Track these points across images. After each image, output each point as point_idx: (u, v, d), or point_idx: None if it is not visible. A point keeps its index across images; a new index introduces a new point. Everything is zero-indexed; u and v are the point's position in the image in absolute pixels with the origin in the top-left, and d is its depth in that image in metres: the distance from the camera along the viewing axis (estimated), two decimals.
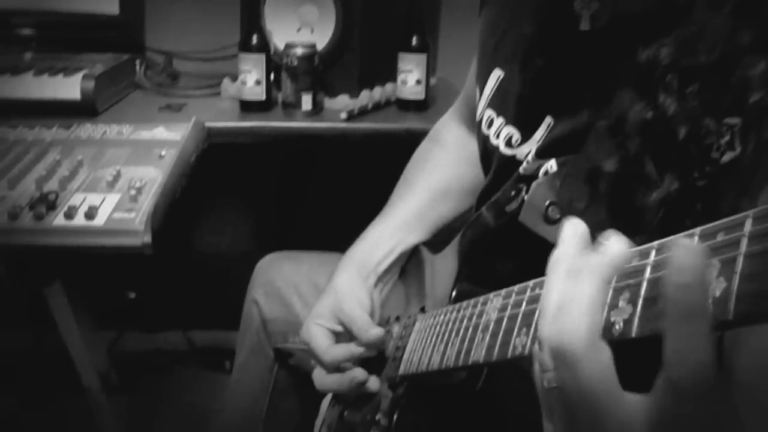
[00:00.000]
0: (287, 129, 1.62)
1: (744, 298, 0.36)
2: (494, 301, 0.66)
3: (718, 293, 0.38)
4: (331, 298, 1.01)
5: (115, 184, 1.29)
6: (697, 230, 0.41)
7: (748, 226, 0.38)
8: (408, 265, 1.09)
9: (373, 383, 0.93)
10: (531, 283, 0.60)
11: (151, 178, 1.33)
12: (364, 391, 0.94)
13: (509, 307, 0.61)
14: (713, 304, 0.38)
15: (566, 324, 0.40)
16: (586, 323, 0.40)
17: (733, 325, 0.37)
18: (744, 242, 0.37)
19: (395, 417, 0.83)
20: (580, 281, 0.42)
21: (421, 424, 0.84)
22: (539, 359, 0.44)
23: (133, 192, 1.24)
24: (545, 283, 0.46)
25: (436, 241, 1.09)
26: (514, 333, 0.58)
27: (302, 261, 1.37)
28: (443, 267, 0.98)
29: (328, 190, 2.17)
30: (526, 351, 0.55)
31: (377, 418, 0.86)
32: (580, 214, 0.68)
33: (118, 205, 1.23)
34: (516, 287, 0.62)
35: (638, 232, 0.63)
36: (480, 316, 0.67)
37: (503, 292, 0.64)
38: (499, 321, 0.62)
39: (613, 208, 0.68)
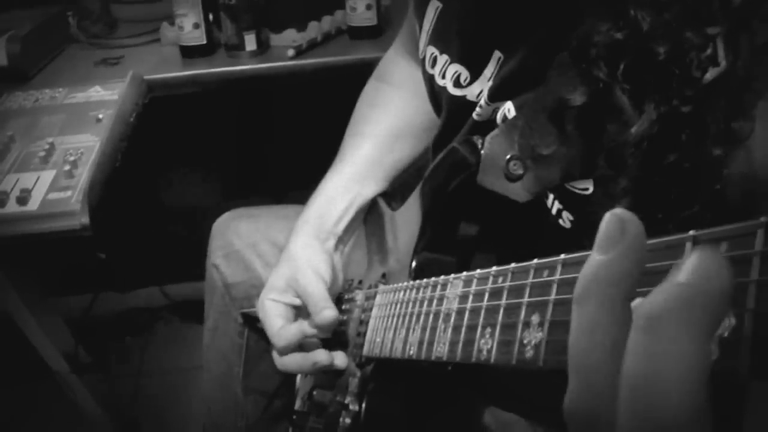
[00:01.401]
0: (232, 73, 1.51)
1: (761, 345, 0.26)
2: (455, 285, 0.57)
3: (725, 333, 0.28)
4: (286, 268, 0.92)
5: (49, 158, 1.19)
6: (692, 234, 0.31)
7: (760, 239, 0.28)
8: (367, 221, 1.00)
9: (340, 360, 0.85)
10: (493, 270, 0.51)
11: (88, 147, 1.22)
12: (330, 369, 0.85)
13: (470, 297, 0.53)
14: (719, 347, 0.28)
15: (658, 399, 0.26)
16: (690, 392, 0.26)
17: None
18: (756, 264, 0.28)
19: (364, 403, 0.75)
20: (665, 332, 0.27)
21: (392, 407, 0.76)
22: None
23: (67, 167, 1.14)
24: (584, 316, 0.30)
25: (393, 192, 0.99)
26: (478, 332, 0.50)
27: (259, 218, 1.27)
28: (404, 219, 0.89)
29: (286, 129, 2.06)
30: (492, 358, 0.47)
31: (346, 401, 0.78)
32: (547, 162, 0.59)
33: (53, 184, 1.13)
34: (477, 273, 0.53)
35: (618, 174, 0.54)
36: (441, 301, 0.58)
37: (463, 276, 0.56)
38: (461, 312, 0.54)
39: (585, 150, 0.58)
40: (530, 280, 0.44)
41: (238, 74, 1.52)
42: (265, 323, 0.90)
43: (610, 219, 0.30)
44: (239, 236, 1.27)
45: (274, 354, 0.91)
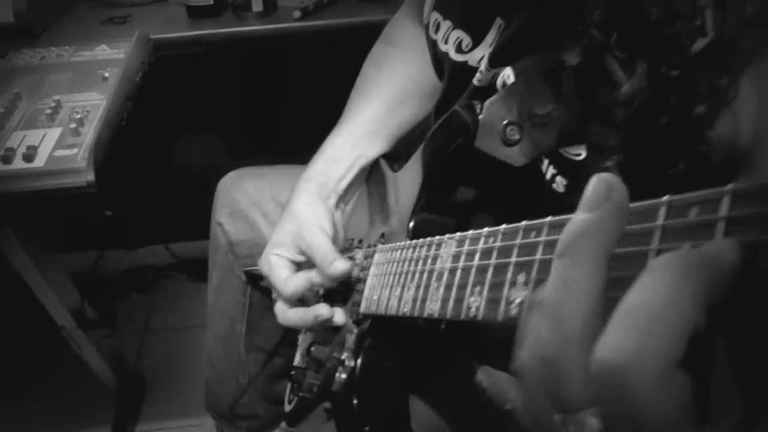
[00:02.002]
0: (238, 34, 1.50)
1: None
2: (448, 244, 0.58)
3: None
4: (290, 224, 0.94)
5: (56, 116, 1.20)
6: (666, 199, 0.33)
7: (724, 206, 0.29)
8: (370, 182, 1.01)
9: (339, 317, 0.87)
10: (485, 231, 0.52)
11: (94, 105, 1.23)
12: (330, 325, 0.87)
13: (462, 257, 0.54)
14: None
15: (630, 343, 0.27)
16: (657, 344, 0.26)
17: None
18: (720, 228, 0.29)
19: (360, 360, 0.77)
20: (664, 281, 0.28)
21: (387, 363, 0.78)
22: (556, 387, 0.31)
23: (74, 124, 1.15)
24: (563, 269, 0.32)
25: (397, 153, 1.00)
26: (468, 290, 0.52)
27: (264, 177, 1.28)
28: (406, 180, 0.90)
29: (294, 89, 2.06)
30: (480, 315, 0.48)
31: (343, 357, 0.80)
32: (543, 126, 0.61)
33: (60, 141, 1.14)
34: (470, 233, 0.55)
35: (609, 133, 0.56)
36: (434, 261, 0.60)
37: (457, 236, 0.57)
38: (452, 271, 0.56)
39: (580, 109, 0.60)
40: (518, 240, 0.46)
41: (245, 35, 1.52)
42: (270, 276, 0.92)
43: (598, 181, 0.31)
44: (244, 195, 1.28)
45: (277, 308, 0.93)
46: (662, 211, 0.33)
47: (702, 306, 0.27)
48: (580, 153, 0.61)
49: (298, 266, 0.92)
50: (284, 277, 0.90)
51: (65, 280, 1.53)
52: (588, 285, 0.30)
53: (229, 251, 1.31)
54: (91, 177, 1.09)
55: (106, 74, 1.31)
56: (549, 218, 0.43)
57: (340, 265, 0.85)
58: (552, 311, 0.31)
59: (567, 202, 0.64)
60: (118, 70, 1.33)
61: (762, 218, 0.27)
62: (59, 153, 1.11)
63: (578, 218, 0.32)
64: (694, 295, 0.26)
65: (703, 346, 0.28)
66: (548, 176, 0.64)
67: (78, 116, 1.18)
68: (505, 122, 0.63)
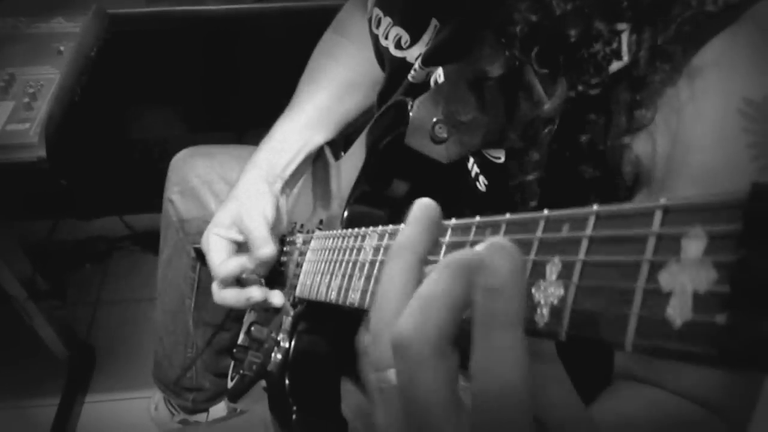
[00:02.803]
0: (195, 13, 1.50)
1: (579, 317, 0.31)
2: (371, 237, 0.61)
3: (555, 302, 0.33)
4: (233, 205, 0.96)
5: (9, 89, 1.20)
6: (545, 214, 0.36)
7: (590, 225, 0.32)
8: (315, 168, 1.03)
9: (277, 298, 0.90)
10: (401, 227, 0.55)
11: (48, 79, 1.23)
12: (268, 306, 0.90)
13: (381, 250, 0.57)
14: (549, 314, 0.33)
15: (414, 320, 0.33)
16: (434, 322, 0.33)
17: (568, 345, 0.32)
18: (584, 245, 0.32)
19: (293, 342, 0.80)
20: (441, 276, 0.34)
21: (319, 347, 0.81)
22: (375, 352, 0.38)
23: (27, 99, 1.16)
24: (387, 269, 0.38)
25: (341, 142, 1.03)
26: None
27: (215, 157, 1.30)
28: (348, 167, 0.93)
29: (249, 69, 2.06)
30: None
31: (279, 338, 0.83)
32: (467, 128, 0.64)
33: (12, 116, 1.15)
34: (390, 228, 0.57)
35: (531, 146, 0.59)
36: (359, 252, 0.63)
37: (379, 230, 0.60)
38: (372, 263, 0.58)
39: (501, 119, 0.63)
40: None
41: (202, 14, 1.51)
42: (207, 256, 0.94)
43: (417, 204, 0.39)
44: (195, 174, 1.30)
45: (213, 287, 0.95)
46: (541, 225, 0.36)
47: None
48: (500, 157, 0.65)
49: (239, 246, 0.95)
50: (219, 261, 0.92)
51: (16, 250, 1.54)
52: (399, 280, 0.36)
53: (179, 228, 1.33)
54: (42, 153, 1.10)
55: (62, 48, 1.31)
56: (453, 221, 0.46)
57: (267, 250, 0.88)
58: (377, 299, 0.37)
59: (488, 201, 0.67)
60: (74, 44, 1.33)
61: (619, 239, 0.31)
62: (11, 127, 1.12)
63: (401, 231, 0.39)
64: (463, 286, 0.32)
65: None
66: (473, 174, 0.68)
67: (31, 90, 1.18)
68: (434, 120, 0.66)
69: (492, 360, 0.31)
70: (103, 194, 2.26)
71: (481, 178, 0.66)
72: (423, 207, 0.39)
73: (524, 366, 0.31)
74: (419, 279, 0.36)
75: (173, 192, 1.31)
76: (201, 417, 1.59)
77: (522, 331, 0.31)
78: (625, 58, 0.55)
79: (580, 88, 0.56)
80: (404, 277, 0.37)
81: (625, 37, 0.55)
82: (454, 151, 0.66)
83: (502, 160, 0.64)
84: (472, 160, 0.67)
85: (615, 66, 0.55)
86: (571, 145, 0.58)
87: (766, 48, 0.53)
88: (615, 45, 0.55)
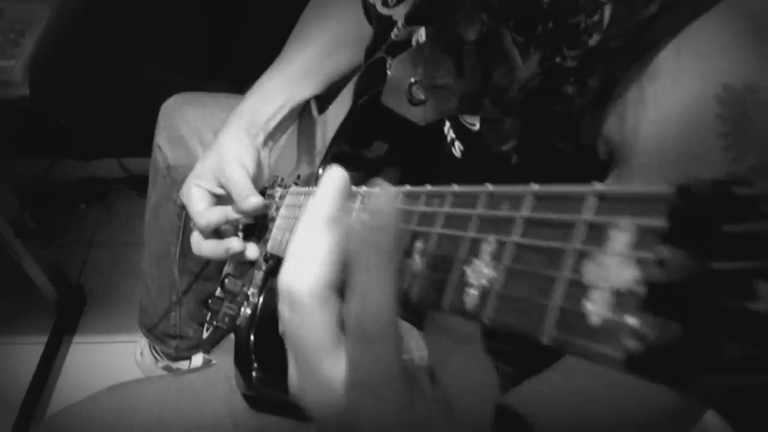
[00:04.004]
0: None
1: (505, 302, 0.29)
2: None
3: (486, 283, 0.31)
4: (214, 157, 0.94)
5: None
6: (489, 188, 0.34)
7: (527, 204, 0.30)
8: (301, 122, 1.01)
9: (251, 252, 0.88)
10: (362, 189, 0.53)
11: (37, 16, 1.21)
12: (242, 259, 0.89)
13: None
14: (479, 296, 0.31)
15: (300, 272, 0.38)
16: (316, 274, 0.38)
17: (492, 330, 0.30)
18: (518, 226, 0.30)
19: (261, 298, 0.78)
20: (324, 233, 0.40)
21: None
22: (279, 304, 0.42)
23: (13, 35, 1.13)
24: (300, 224, 0.42)
25: (328, 97, 1.00)
26: None
27: (205, 106, 1.28)
28: (334, 124, 0.91)
29: (253, 18, 2.03)
30: None
31: (250, 293, 0.81)
32: (444, 91, 0.62)
33: None
34: (353, 188, 0.55)
35: (504, 114, 0.57)
36: None
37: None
38: None
39: (477, 84, 0.61)
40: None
41: None
42: (188, 206, 0.92)
43: (326, 172, 0.43)
44: (185, 121, 1.28)
45: (192, 238, 0.94)
46: (483, 200, 0.34)
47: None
48: (475, 124, 0.62)
49: (219, 199, 0.93)
50: (200, 209, 0.90)
51: (4, 189, 1.52)
52: (306, 235, 0.40)
53: (167, 175, 1.32)
54: (25, 90, 1.08)
55: None
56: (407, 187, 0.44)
57: (253, 200, 0.86)
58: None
59: (464, 169, 0.65)
60: None
61: (551, 223, 0.29)
62: None
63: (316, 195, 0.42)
64: (336, 241, 0.38)
65: None
66: (449, 139, 0.65)
67: (19, 27, 1.16)
68: (412, 81, 0.64)
69: (366, 282, 0.35)
70: (101, 136, 2.24)
71: (457, 143, 0.64)
72: (332, 177, 0.43)
73: (392, 288, 0.35)
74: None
75: (162, 138, 1.29)
76: (183, 365, 1.60)
77: (393, 258, 0.35)
78: (605, 31, 0.52)
79: (557, 59, 0.54)
80: (309, 235, 0.40)
81: (608, 11, 0.52)
82: (430, 113, 0.64)
83: (477, 127, 0.62)
84: (448, 124, 0.65)
85: (594, 39, 0.53)
86: (545, 117, 0.56)
87: (750, 34, 0.51)
88: (597, 17, 0.52)
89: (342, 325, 0.38)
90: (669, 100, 0.52)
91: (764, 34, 0.50)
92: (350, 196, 0.62)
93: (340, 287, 0.38)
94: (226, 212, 0.89)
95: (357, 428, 0.37)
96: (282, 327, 0.41)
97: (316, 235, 0.39)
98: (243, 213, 0.87)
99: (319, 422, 0.41)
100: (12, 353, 1.83)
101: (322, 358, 0.38)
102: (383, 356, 0.35)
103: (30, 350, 1.80)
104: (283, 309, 0.40)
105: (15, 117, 1.65)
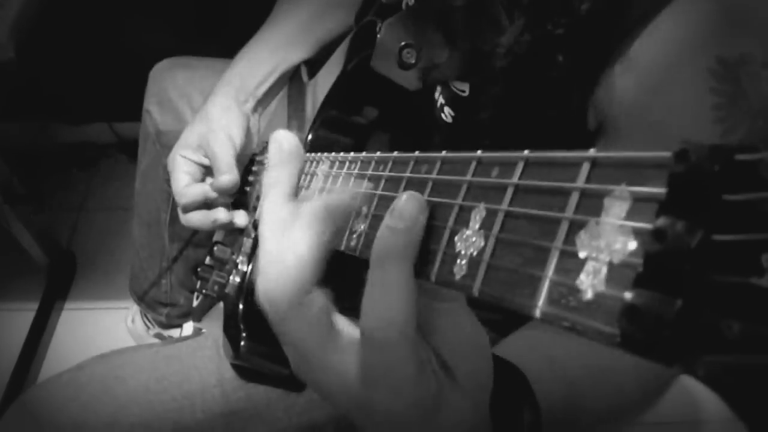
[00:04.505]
0: None
1: (494, 273, 0.28)
2: (324, 163, 0.57)
3: (474, 253, 0.30)
4: (201, 125, 0.92)
5: None
6: (479, 154, 0.32)
7: (518, 171, 0.29)
8: (291, 87, 0.99)
9: (240, 219, 0.87)
10: (350, 155, 0.52)
11: None
12: (232, 227, 0.87)
13: (330, 179, 0.54)
14: (467, 265, 0.30)
15: (271, 282, 0.36)
16: (291, 280, 0.36)
17: (481, 302, 0.29)
18: (508, 194, 0.29)
19: (251, 266, 0.77)
20: (288, 233, 0.38)
21: None
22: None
23: None
24: (264, 207, 0.41)
25: (318, 62, 0.98)
26: None
27: (195, 70, 1.26)
28: (325, 90, 0.89)
29: None
30: (342, 246, 0.48)
31: (239, 260, 0.80)
32: (434, 55, 0.60)
33: None
34: (341, 155, 0.54)
35: (495, 80, 0.56)
36: (312, 178, 0.59)
37: (331, 156, 0.56)
38: (322, 191, 0.55)
39: (466, 51, 0.59)
40: (370, 171, 0.45)
41: None
42: (172, 178, 0.91)
43: (274, 136, 0.43)
44: (174, 86, 1.26)
45: (179, 209, 0.92)
46: (473, 167, 0.33)
47: (330, 241, 0.37)
48: (465, 90, 0.61)
49: (205, 169, 0.91)
50: (183, 185, 0.89)
51: None
52: (273, 216, 0.40)
53: (156, 140, 1.30)
54: (11, 53, 1.05)
55: None
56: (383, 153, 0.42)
57: (226, 178, 0.85)
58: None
59: (454, 134, 0.64)
60: None
61: (543, 190, 0.27)
62: None
63: (265, 173, 0.42)
64: (319, 236, 0.36)
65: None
66: (438, 104, 0.64)
67: None
68: (402, 44, 0.62)
69: (384, 288, 0.32)
70: (91, 100, 2.21)
71: (447, 109, 0.63)
72: (278, 146, 0.43)
73: (411, 296, 0.32)
74: (292, 212, 0.39)
75: (151, 103, 1.27)
76: (175, 332, 1.59)
77: (411, 265, 0.33)
78: None
79: (548, 26, 0.52)
80: (276, 215, 0.40)
81: None
82: (420, 78, 0.62)
83: (467, 93, 0.60)
84: (438, 89, 0.63)
85: (585, 5, 0.51)
86: (534, 84, 0.54)
87: (744, 6, 0.49)
88: None
89: (331, 311, 0.37)
90: (664, 71, 0.51)
91: (752, 6, 0.49)
92: (313, 160, 0.61)
93: (319, 272, 0.37)
94: (205, 190, 0.88)
95: (375, 413, 0.36)
96: (273, 328, 0.39)
97: (282, 239, 0.38)
98: (218, 190, 0.86)
99: (333, 404, 0.40)
100: (2, 319, 1.83)
101: (326, 356, 0.36)
102: (401, 360, 0.33)
103: (21, 316, 1.80)
104: (268, 315, 0.38)
105: (2, 80, 1.62)
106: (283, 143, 0.42)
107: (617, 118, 0.54)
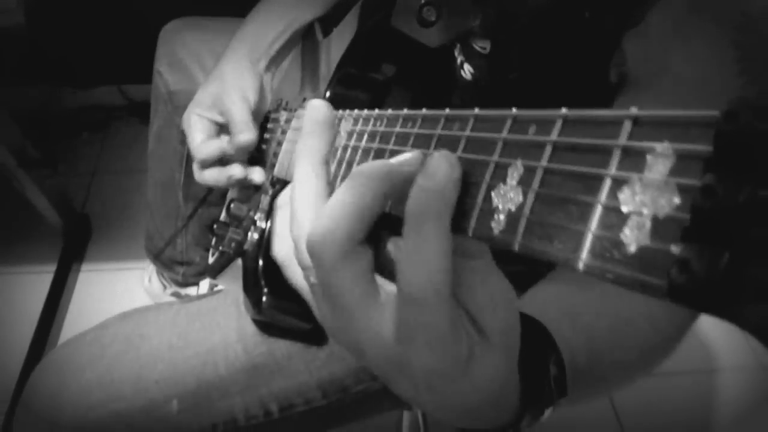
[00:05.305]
0: None
1: (535, 227, 0.29)
2: (347, 121, 0.58)
3: (513, 208, 0.30)
4: (215, 85, 0.92)
5: None
6: (513, 112, 0.33)
7: (557, 129, 0.29)
8: (305, 45, 0.99)
9: (257, 175, 0.87)
10: (375, 112, 0.52)
11: None
12: (249, 183, 0.88)
13: (354, 136, 0.54)
14: (505, 221, 0.30)
15: (317, 236, 0.36)
16: (343, 229, 0.35)
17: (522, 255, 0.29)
18: (548, 151, 0.29)
19: (269, 222, 0.78)
20: (320, 177, 0.40)
21: None
22: (298, 254, 0.41)
23: None
24: (298, 173, 0.41)
25: (332, 19, 0.98)
26: (343, 170, 0.52)
27: (205, 29, 1.25)
28: (339, 47, 0.89)
29: None
30: None
31: (256, 217, 0.81)
32: (455, 12, 0.60)
33: None
34: (365, 113, 0.54)
35: (518, 37, 0.56)
36: (335, 135, 0.59)
37: (354, 113, 0.56)
38: (345, 148, 0.55)
39: (489, 8, 0.59)
40: (397, 129, 0.46)
41: None
42: (188, 136, 0.91)
43: (308, 111, 0.42)
44: (184, 46, 1.26)
45: (194, 166, 0.93)
46: (508, 124, 0.33)
47: (380, 200, 0.35)
48: (486, 47, 0.61)
49: (220, 127, 0.92)
50: (198, 142, 0.89)
51: (5, 118, 1.51)
52: (308, 185, 0.40)
53: (168, 101, 1.30)
54: (21, 18, 1.05)
55: None
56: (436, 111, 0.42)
57: (245, 137, 0.85)
58: (292, 205, 0.40)
59: (475, 92, 0.64)
60: None
61: (584, 148, 0.28)
62: None
63: (299, 140, 0.42)
64: (371, 195, 0.35)
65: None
66: (458, 62, 0.64)
67: None
68: (422, 2, 0.62)
69: (420, 247, 0.33)
70: (101, 63, 2.20)
71: (467, 66, 0.63)
72: (313, 115, 0.42)
73: (447, 255, 0.33)
74: (326, 179, 0.40)
75: (162, 64, 1.27)
76: (192, 291, 1.61)
77: (448, 225, 0.33)
78: None
79: None
80: (311, 182, 0.40)
81: None
82: (441, 35, 0.62)
83: (488, 50, 0.60)
84: (458, 47, 0.64)
85: None
86: (559, 41, 0.54)
87: None
88: None
89: (371, 270, 0.37)
90: (690, 27, 0.51)
91: None
92: (343, 119, 0.61)
93: (363, 230, 0.36)
94: (222, 145, 0.88)
95: (411, 370, 0.36)
96: (298, 281, 0.41)
97: (316, 183, 0.39)
98: (237, 148, 0.86)
99: (367, 363, 0.39)
100: (22, 282, 1.85)
101: (367, 312, 0.36)
102: (436, 317, 0.34)
103: (39, 279, 1.82)
104: (314, 268, 0.37)
105: (12, 45, 1.62)
106: (319, 113, 0.42)
107: (639, 71, 0.54)
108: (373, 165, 0.36)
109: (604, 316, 0.58)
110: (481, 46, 0.61)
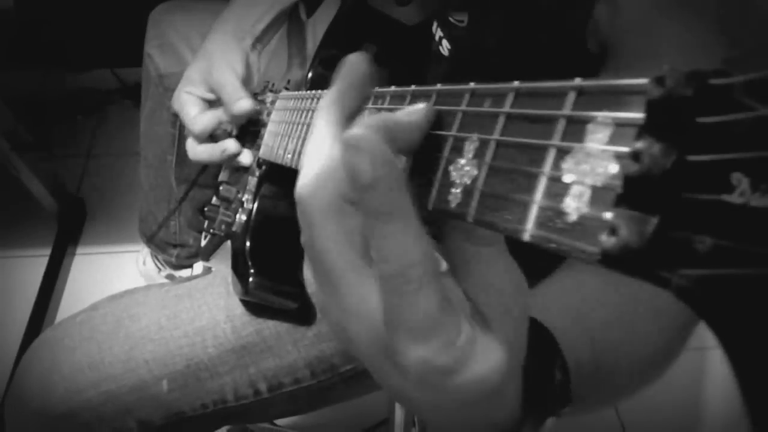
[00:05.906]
0: None
1: (487, 200, 0.29)
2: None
3: (468, 182, 0.31)
4: (202, 62, 0.92)
5: None
6: (472, 86, 0.33)
7: (509, 101, 0.30)
8: (291, 25, 0.99)
9: (245, 157, 0.87)
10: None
11: None
12: (237, 165, 0.88)
13: None
14: (462, 194, 0.31)
15: (317, 182, 0.34)
16: (332, 184, 0.34)
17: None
18: (500, 123, 0.30)
19: (256, 204, 0.78)
20: (336, 137, 0.36)
21: (280, 210, 0.80)
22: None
23: None
24: (312, 131, 0.38)
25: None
26: None
27: (194, 12, 1.25)
28: (324, 28, 0.89)
29: None
30: None
31: (244, 199, 0.82)
32: None
33: None
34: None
35: (493, 6, 0.56)
36: (312, 114, 0.60)
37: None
38: None
39: None
40: (369, 106, 0.46)
41: None
42: (181, 113, 0.91)
43: (347, 60, 0.39)
44: (174, 28, 1.26)
45: (188, 144, 0.93)
46: (466, 98, 0.33)
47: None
48: (463, 20, 0.61)
49: (210, 104, 0.92)
50: (193, 115, 0.89)
51: None
52: (325, 132, 0.37)
53: (159, 83, 1.30)
54: (10, 1, 1.05)
55: None
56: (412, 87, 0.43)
57: (244, 104, 0.85)
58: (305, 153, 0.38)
59: (451, 67, 0.64)
60: None
61: (532, 118, 0.28)
62: None
63: (330, 89, 0.39)
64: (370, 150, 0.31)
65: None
66: (437, 38, 0.64)
67: None
68: None
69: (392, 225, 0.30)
70: (94, 46, 2.20)
71: (444, 42, 0.63)
72: (350, 64, 0.39)
73: (421, 237, 0.30)
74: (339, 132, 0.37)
75: (152, 46, 1.27)
76: (186, 273, 1.61)
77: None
78: None
79: None
80: (329, 128, 0.37)
81: None
82: (418, 13, 0.62)
83: (465, 23, 0.60)
84: (436, 23, 0.64)
85: None
86: (532, 9, 0.54)
87: None
88: None
89: (365, 242, 0.33)
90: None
91: None
92: (313, 98, 0.61)
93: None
94: (218, 115, 0.88)
95: (399, 357, 0.32)
96: (303, 239, 0.36)
97: (329, 140, 0.36)
98: (234, 116, 0.86)
99: (352, 346, 0.36)
100: (17, 266, 1.86)
101: (350, 281, 0.33)
102: (423, 300, 0.30)
103: (34, 263, 1.83)
104: (301, 216, 0.35)
105: (3, 28, 1.62)
106: (358, 67, 0.39)
107: (616, 40, 0.53)
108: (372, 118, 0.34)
109: (608, 318, 0.56)
110: (458, 19, 0.61)
